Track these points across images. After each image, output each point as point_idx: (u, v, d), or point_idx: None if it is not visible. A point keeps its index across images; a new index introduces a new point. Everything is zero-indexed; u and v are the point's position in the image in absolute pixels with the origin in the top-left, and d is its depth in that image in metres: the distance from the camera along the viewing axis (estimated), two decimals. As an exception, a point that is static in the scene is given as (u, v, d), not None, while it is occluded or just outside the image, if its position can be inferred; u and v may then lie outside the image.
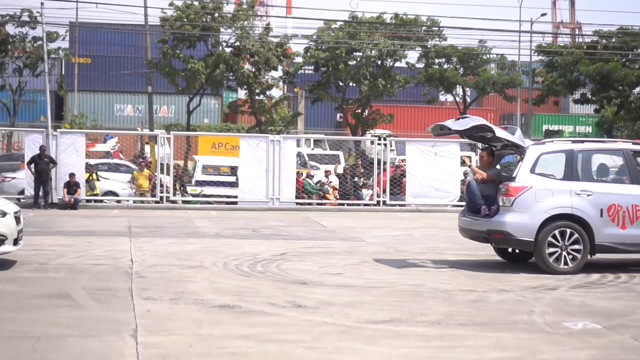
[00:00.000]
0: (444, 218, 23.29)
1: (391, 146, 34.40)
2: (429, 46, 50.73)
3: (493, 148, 16.01)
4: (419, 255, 16.28)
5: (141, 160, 32.52)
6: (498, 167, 16.30)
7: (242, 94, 55.03)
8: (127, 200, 28.92)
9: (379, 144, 30.21)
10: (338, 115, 59.43)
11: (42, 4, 40.19)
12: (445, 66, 51.44)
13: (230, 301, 11.16)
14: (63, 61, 54.37)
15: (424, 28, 49.55)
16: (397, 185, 29.38)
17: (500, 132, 15.12)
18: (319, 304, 11.13)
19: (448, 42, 51.10)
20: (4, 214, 13.40)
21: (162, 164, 28.47)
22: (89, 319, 9.88)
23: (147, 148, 42.17)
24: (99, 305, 10.76)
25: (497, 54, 54.31)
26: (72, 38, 58.00)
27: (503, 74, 52.50)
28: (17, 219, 13.77)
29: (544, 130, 63.96)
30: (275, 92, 50.89)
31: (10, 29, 49.80)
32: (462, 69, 51.78)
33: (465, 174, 27.56)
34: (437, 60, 51.43)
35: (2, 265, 13.73)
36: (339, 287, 12.58)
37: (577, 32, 74.75)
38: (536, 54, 55.18)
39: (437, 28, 49.24)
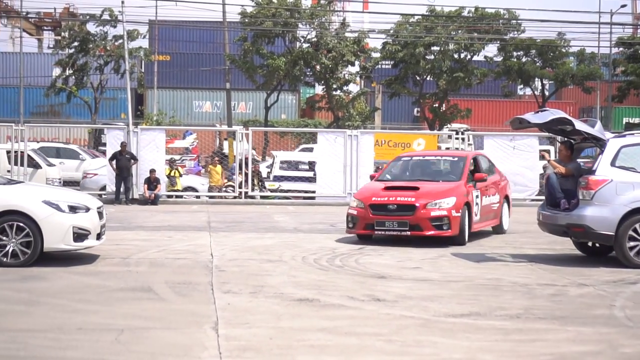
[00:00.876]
0: (521, 212, 23.04)
1: (469, 140, 34.15)
2: (507, 39, 50.22)
3: (572, 141, 15.82)
4: (497, 250, 16.17)
5: (215, 156, 32.84)
6: (578, 160, 16.09)
7: (319, 89, 55.19)
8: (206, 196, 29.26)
9: (456, 139, 30.02)
10: (415, 109, 59.18)
11: (122, 2, 40.79)
12: (524, 59, 50.88)
13: (309, 295, 11.25)
14: (143, 59, 55.16)
15: (502, 21, 49.08)
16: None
17: (580, 125, 14.94)
18: (397, 298, 11.16)
19: (526, 35, 50.54)
20: (88, 209, 13.68)
21: (240, 160, 28.72)
22: (171, 312, 10.06)
23: (226, 144, 42.60)
24: (180, 299, 10.94)
25: (576, 47, 53.52)
26: (152, 36, 58.82)
27: (583, 66, 51.70)
28: (100, 214, 14.05)
29: (624, 122, 62.81)
30: (353, 88, 50.94)
31: (92, 28, 50.83)
32: (540, 62, 51.15)
33: (544, 167, 27.25)
34: (515, 54, 50.88)
35: (86, 259, 14.04)
36: (417, 281, 12.59)
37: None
38: (616, 46, 54.25)
39: (515, 21, 48.71)
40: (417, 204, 16.46)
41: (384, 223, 16.57)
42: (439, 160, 19.36)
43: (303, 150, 38.78)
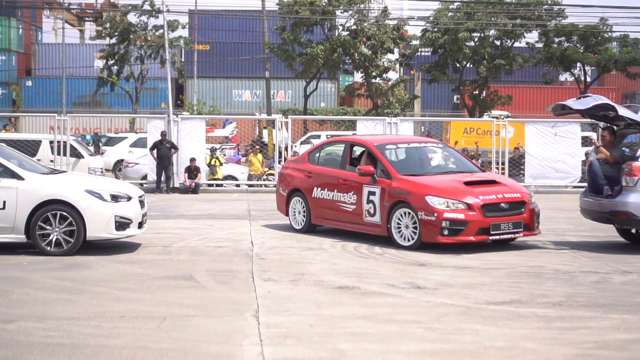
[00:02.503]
0: (563, 199, 22.88)
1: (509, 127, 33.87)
2: (549, 25, 49.74)
3: (615, 128, 15.66)
4: (538, 237, 16.04)
5: (256, 144, 32.92)
6: (623, 148, 15.91)
7: (358, 77, 55.09)
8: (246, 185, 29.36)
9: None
10: (455, 97, 58.87)
11: (162, -8, 41.01)
12: (566, 45, 50.37)
13: (350, 282, 11.25)
14: (183, 49, 55.42)
15: (544, 7, 48.59)
16: (516, 166, 29.01)
17: (623, 111, 14.79)
18: (437, 285, 11.12)
19: (568, 21, 50.02)
20: (129, 198, 13.78)
21: (279, 148, 28.76)
22: (212, 300, 10.11)
23: (265, 132, 42.70)
24: (221, 287, 10.98)
25: (620, 32, 52.87)
26: (192, 25, 59.06)
27: (626, 51, 51.08)
28: (142, 203, 14.15)
29: (668, 108, 61.98)
30: (392, 75, 50.78)
31: (133, 18, 51.13)
32: (582, 48, 50.61)
33: (587, 154, 27.02)
34: (557, 40, 50.38)
35: (128, 247, 14.15)
36: (457, 269, 12.54)
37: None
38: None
39: (557, 7, 48.21)
40: (526, 201, 14.67)
41: (500, 226, 14.22)
42: (431, 148, 16.84)
43: (310, 138, 38.81)
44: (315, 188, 16.26)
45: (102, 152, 36.73)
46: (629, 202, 14.11)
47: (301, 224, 16.62)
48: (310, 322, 8.96)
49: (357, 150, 16.57)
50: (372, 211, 15.03)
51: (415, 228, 14.24)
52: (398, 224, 14.51)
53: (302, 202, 16.59)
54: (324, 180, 16.22)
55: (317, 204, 16.22)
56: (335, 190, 15.86)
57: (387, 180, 14.91)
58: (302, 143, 37.10)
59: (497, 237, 14.36)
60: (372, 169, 15.14)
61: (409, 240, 14.38)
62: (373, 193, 15.07)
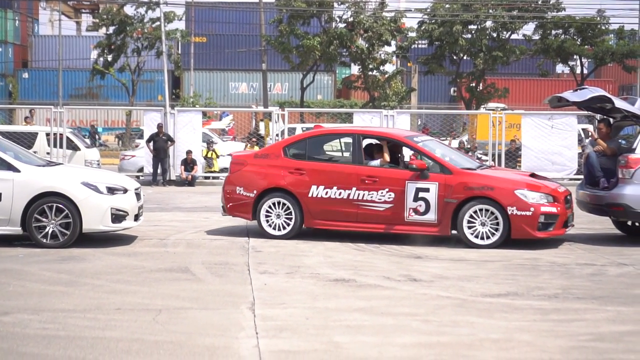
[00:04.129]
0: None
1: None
2: (546, 17, 49.70)
3: (611, 120, 15.67)
4: (535, 229, 16.05)
5: (252, 137, 32.91)
6: (619, 140, 15.92)
7: (355, 69, 55.05)
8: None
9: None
10: (452, 89, 58.85)
11: (159, -16, 40.93)
12: (563, 37, 50.35)
13: (346, 275, 11.26)
14: (180, 41, 55.33)
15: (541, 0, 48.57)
16: (512, 159, 29.01)
17: (619, 103, 14.80)
18: (433, 278, 11.14)
19: (565, 13, 49.99)
20: (125, 191, 13.77)
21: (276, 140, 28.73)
22: (208, 292, 10.11)
23: (262, 125, 42.68)
24: (217, 279, 10.98)
25: (616, 24, 52.84)
26: (188, 17, 58.96)
27: (623, 43, 51.06)
28: (138, 196, 14.14)
29: (665, 100, 62.01)
30: (389, 68, 50.72)
31: (129, 10, 51.03)
32: (579, 40, 50.60)
33: (583, 146, 27.04)
34: (554, 32, 50.35)
35: (124, 240, 14.14)
36: (453, 261, 12.55)
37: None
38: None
39: (557, 2, 48.17)
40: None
41: (570, 218, 14.40)
42: (438, 142, 16.41)
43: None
44: (314, 187, 14.46)
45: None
46: (625, 194, 14.13)
47: (284, 229, 14.57)
48: (306, 314, 8.97)
49: (364, 143, 15.09)
50: (422, 209, 13.95)
51: (497, 225, 13.71)
52: (470, 221, 13.83)
53: (286, 204, 14.55)
54: (329, 178, 14.47)
55: (318, 205, 14.45)
56: (354, 189, 14.26)
57: (445, 175, 14.02)
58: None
59: (569, 229, 14.43)
60: (424, 163, 14.11)
61: (485, 238, 13.76)
62: (425, 190, 13.98)
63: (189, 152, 27.49)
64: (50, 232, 13.21)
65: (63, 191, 13.28)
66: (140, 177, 27.28)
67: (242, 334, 8.17)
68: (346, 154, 15.45)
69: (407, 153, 15.41)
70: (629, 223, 15.59)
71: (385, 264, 12.22)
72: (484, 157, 28.80)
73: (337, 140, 16.57)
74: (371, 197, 14.24)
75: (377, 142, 15.07)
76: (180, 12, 51.46)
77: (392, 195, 14.14)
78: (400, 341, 8.02)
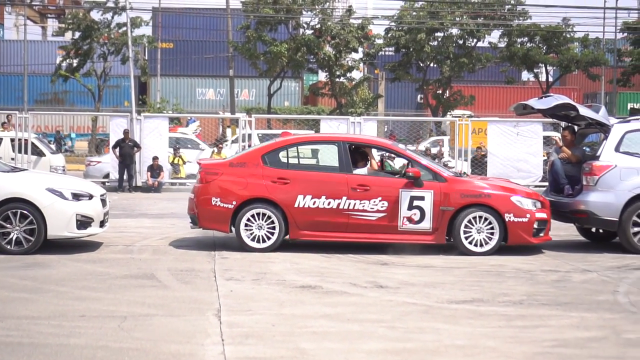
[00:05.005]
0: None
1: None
2: (511, 25, 50.08)
3: (575, 127, 15.81)
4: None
5: (218, 143, 32.85)
6: (584, 148, 16.06)
7: (322, 76, 55.13)
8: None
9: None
10: (419, 96, 59.09)
11: (126, -10, 40.74)
12: (528, 45, 50.76)
13: (312, 281, 11.26)
14: (146, 47, 55.10)
15: (507, 7, 48.93)
16: (479, 166, 29.16)
17: (584, 111, 14.93)
18: (400, 284, 11.16)
19: (531, 21, 50.39)
20: (91, 197, 13.69)
21: (243, 146, 28.69)
22: (174, 299, 10.06)
23: (229, 131, 42.59)
24: (183, 286, 10.94)
25: (581, 32, 53.36)
26: (155, 23, 58.75)
27: (587, 52, 51.55)
28: (103, 202, 14.06)
29: (628, 108, 62.65)
30: (356, 74, 50.85)
31: (96, 15, 50.77)
32: (545, 48, 51.02)
33: (548, 154, 27.23)
34: (519, 40, 50.75)
35: (89, 246, 14.06)
36: (419, 268, 12.59)
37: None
38: (621, 32, 54.14)
39: (520, 7, 48.55)
40: None
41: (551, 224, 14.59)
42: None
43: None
44: (301, 196, 13.82)
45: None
46: (589, 201, 14.26)
47: (265, 241, 13.87)
48: (272, 321, 8.96)
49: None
50: (417, 218, 13.76)
51: (492, 232, 13.75)
52: (467, 229, 13.79)
53: (268, 215, 13.84)
54: (316, 187, 13.90)
55: (305, 216, 13.85)
56: (344, 198, 13.78)
57: (439, 183, 13.87)
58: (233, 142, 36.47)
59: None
60: (419, 171, 13.85)
61: (481, 245, 13.74)
62: (420, 198, 13.75)
63: (155, 158, 27.38)
64: (14, 238, 13.10)
65: (27, 197, 13.19)
66: (106, 183, 27.12)
67: (208, 341, 8.14)
68: (330, 162, 14.70)
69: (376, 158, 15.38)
70: (593, 230, 15.73)
71: (352, 271, 12.24)
72: (450, 164, 28.94)
73: (319, 148, 16.18)
74: (363, 206, 13.82)
75: (359, 149, 14.84)
76: (147, 18, 51.22)
77: (386, 204, 13.81)
78: (366, 347, 8.03)
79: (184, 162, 29.17)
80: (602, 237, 15.71)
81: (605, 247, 14.94)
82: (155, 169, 27.48)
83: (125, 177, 27.28)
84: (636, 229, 14.08)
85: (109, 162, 28.23)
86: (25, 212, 13.11)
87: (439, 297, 10.35)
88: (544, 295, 10.54)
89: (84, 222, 13.45)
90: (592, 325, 8.97)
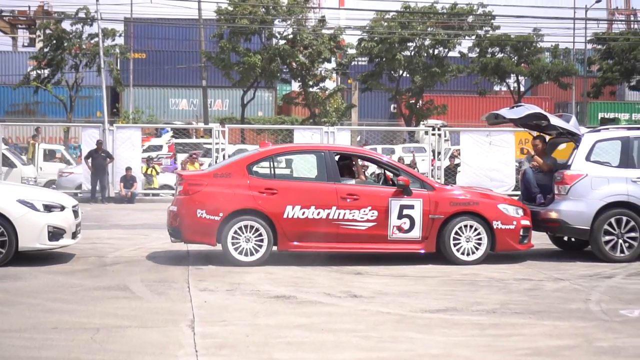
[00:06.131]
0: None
1: (445, 136, 34.24)
2: (482, 35, 50.41)
3: (546, 137, 15.91)
4: (474, 245, 16.20)
5: (193, 153, 32.78)
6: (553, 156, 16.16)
7: (295, 86, 55.20)
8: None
9: (433, 135, 30.06)
10: (392, 106, 59.29)
11: (97, 0, 40.66)
12: (499, 55, 51.09)
13: (286, 291, 11.24)
14: (119, 57, 54.89)
15: (476, 15, 49.20)
16: (452, 175, 29.28)
17: (555, 120, 15.03)
18: (374, 294, 11.17)
19: (502, 31, 50.72)
20: (63, 208, 13.61)
21: (216, 157, 28.66)
22: (147, 310, 10.02)
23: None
24: (156, 297, 10.89)
25: (552, 42, 53.79)
26: (128, 34, 58.58)
27: (558, 62, 51.95)
28: (75, 213, 13.98)
29: (599, 117, 63.13)
30: (329, 84, 50.97)
31: (67, 26, 50.52)
32: (516, 58, 51.36)
33: (520, 163, 27.38)
34: (490, 50, 51.07)
35: (61, 258, 13.97)
36: (393, 277, 12.61)
37: (632, 19, 73.75)
38: (591, 42, 54.65)
39: (490, 17, 48.86)
40: None
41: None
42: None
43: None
44: (290, 207, 13.52)
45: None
46: (560, 209, 14.34)
47: (254, 254, 13.51)
48: (246, 331, 8.94)
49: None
50: (406, 227, 13.68)
51: (479, 240, 13.80)
52: (456, 237, 13.80)
53: (255, 227, 13.50)
54: (305, 197, 13.63)
55: (295, 227, 13.55)
56: (334, 208, 13.57)
57: (428, 191, 13.84)
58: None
59: None
60: (408, 179, 13.80)
61: (470, 254, 13.78)
62: (409, 207, 13.69)
63: (128, 169, 27.29)
64: (-15, 250, 13.00)
65: (-1, 209, 13.08)
66: (79, 194, 27.00)
67: (182, 352, 8.11)
68: (317, 172, 14.27)
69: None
70: (565, 238, 15.82)
71: (326, 280, 12.23)
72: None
73: (305, 158, 15.92)
74: (353, 216, 13.60)
75: (346, 159, 14.88)
76: (119, 28, 51.11)
77: (375, 213, 13.66)
78: (340, 357, 8.03)
79: (157, 173, 29.09)
80: (574, 245, 15.81)
81: (577, 255, 15.03)
82: (128, 180, 27.39)
83: (97, 187, 27.17)
84: (607, 238, 14.18)
85: (81, 172, 28.10)
86: (-4, 223, 13.01)
87: (413, 306, 10.37)
88: (517, 303, 10.58)
89: (55, 234, 13.37)
90: (565, 334, 9.01)
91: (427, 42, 47.86)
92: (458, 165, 29.26)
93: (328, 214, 13.59)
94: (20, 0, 78.42)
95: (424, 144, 36.65)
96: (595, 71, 56.47)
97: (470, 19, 48.86)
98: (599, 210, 14.19)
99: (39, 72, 51.24)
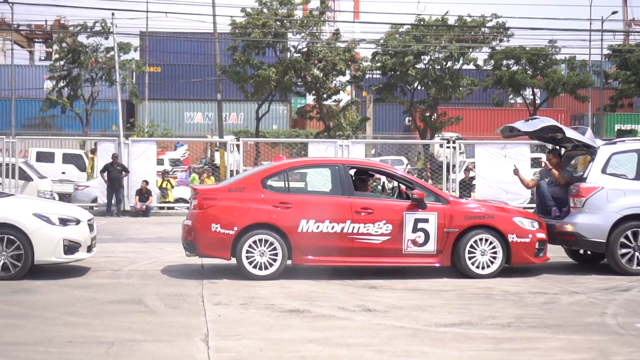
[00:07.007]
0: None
1: (460, 149, 34.19)
2: (497, 48, 50.38)
3: (561, 150, 15.87)
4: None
5: (207, 167, 32.87)
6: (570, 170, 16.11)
7: (310, 99, 55.27)
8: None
9: (447, 147, 30.02)
10: (407, 119, 59.29)
11: (112, 14, 40.85)
12: (514, 68, 51.03)
13: (300, 306, 11.23)
14: (134, 71, 55.13)
15: (488, 29, 49.16)
16: (467, 188, 29.22)
17: (570, 133, 14.98)
18: (388, 308, 11.15)
19: (517, 43, 50.69)
20: (78, 222, 13.65)
21: (231, 171, 28.71)
22: (161, 324, 10.03)
23: (217, 155, 42.60)
24: (171, 311, 10.90)
25: (567, 54, 53.68)
26: (143, 47, 58.83)
27: (573, 74, 51.86)
28: (91, 227, 14.02)
29: (616, 129, 63.01)
30: (344, 97, 51.01)
31: (84, 39, 50.80)
32: (531, 70, 51.29)
33: (534, 174, 27.29)
34: (505, 62, 51.03)
35: (76, 272, 14.00)
36: (408, 291, 12.58)
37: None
38: (607, 55, 54.56)
39: (504, 29, 48.82)
40: None
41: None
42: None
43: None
44: (304, 221, 13.47)
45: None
46: (576, 222, 14.28)
47: (267, 268, 13.48)
48: (260, 346, 8.93)
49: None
50: (421, 240, 13.61)
51: (495, 253, 13.74)
52: (470, 251, 13.74)
53: (269, 241, 13.46)
54: (319, 211, 13.55)
55: (309, 241, 13.49)
56: (348, 221, 13.51)
57: (442, 205, 13.82)
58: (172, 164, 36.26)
59: None
60: (422, 193, 13.71)
61: (485, 267, 13.72)
62: (424, 220, 13.63)
63: (144, 182, 27.35)
64: (1, 263, 13.04)
65: (14, 222, 13.14)
66: (94, 208, 27.07)
67: (196, 366, 8.12)
68: (331, 186, 14.15)
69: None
70: (581, 251, 15.75)
71: (340, 294, 12.21)
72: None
73: (319, 171, 15.82)
74: (367, 229, 13.55)
75: (361, 174, 14.77)
76: (135, 43, 51.32)
77: (390, 227, 13.60)
78: (354, 372, 8.01)
79: (172, 186, 29.14)
80: (589, 258, 15.74)
81: (593, 268, 14.95)
82: (144, 193, 27.44)
83: (113, 201, 27.23)
84: (624, 250, 14.11)
85: (97, 186, 28.17)
86: (12, 237, 13.06)
87: (427, 320, 10.34)
88: (532, 317, 10.53)
89: (71, 247, 13.41)
90: (580, 348, 8.97)
91: (440, 55, 47.83)
92: (473, 178, 29.18)
93: (342, 228, 13.55)
94: (36, 14, 78.73)
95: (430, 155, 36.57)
96: (612, 82, 56.34)
97: (483, 30, 48.79)
98: (615, 222, 14.13)
99: (54, 85, 51.49)
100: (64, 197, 28.93)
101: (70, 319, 10.26)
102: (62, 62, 51.92)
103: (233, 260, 13.68)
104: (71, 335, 9.38)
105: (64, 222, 13.45)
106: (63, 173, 35.69)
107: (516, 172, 16.10)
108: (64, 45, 51.74)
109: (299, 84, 47.25)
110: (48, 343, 9.00)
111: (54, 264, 13.62)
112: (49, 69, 53.92)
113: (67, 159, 36.30)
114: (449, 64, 48.09)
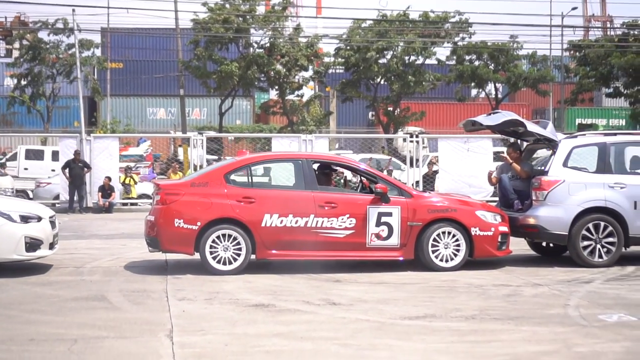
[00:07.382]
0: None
1: (423, 143, 34.28)
2: (459, 43, 50.59)
3: (520, 144, 15.97)
4: (452, 252, 16.23)
5: (174, 163, 32.72)
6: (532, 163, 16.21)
7: (273, 94, 55.21)
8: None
9: (411, 142, 30.11)
10: (370, 113, 59.40)
11: (73, 10, 40.52)
12: (476, 63, 51.29)
13: (265, 300, 11.22)
14: (96, 67, 54.73)
15: (451, 25, 49.36)
16: (430, 182, 29.32)
17: (532, 127, 15.08)
18: (353, 301, 11.16)
19: (479, 39, 50.93)
20: (40, 219, 13.53)
21: (195, 166, 28.59)
22: (125, 321, 9.96)
23: (180, 150, 42.43)
24: (134, 307, 10.84)
25: (529, 49, 54.03)
26: (104, 43, 58.43)
27: (534, 69, 52.23)
28: (53, 224, 13.90)
29: (577, 124, 63.58)
30: (307, 92, 51.00)
31: (45, 36, 50.37)
32: (493, 65, 51.58)
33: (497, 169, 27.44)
34: (467, 57, 51.27)
35: (39, 269, 13.88)
36: (372, 284, 12.60)
37: (608, 26, 74.25)
38: (567, 50, 54.97)
39: (466, 25, 49.04)
40: None
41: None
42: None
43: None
44: (268, 215, 13.44)
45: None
46: (538, 215, 14.38)
47: (232, 262, 13.44)
48: (225, 341, 8.90)
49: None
50: (385, 234, 13.66)
51: (458, 247, 13.81)
52: (434, 244, 13.81)
53: (233, 236, 13.43)
54: (283, 205, 13.56)
55: (273, 235, 13.48)
56: (312, 216, 13.50)
57: (405, 199, 13.83)
58: None
59: None
60: (386, 187, 13.77)
61: (448, 260, 13.78)
62: (387, 214, 13.67)
63: (107, 178, 27.18)
64: (-39, 262, 12.91)
65: (-25, 220, 13.00)
66: (56, 205, 26.87)
67: (160, 362, 8.08)
68: (294, 180, 14.12)
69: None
70: (544, 244, 15.87)
71: (305, 288, 12.21)
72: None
73: (282, 166, 15.78)
74: (331, 223, 13.55)
75: (324, 168, 14.80)
76: (97, 40, 50.97)
77: (354, 220, 13.62)
78: (319, 366, 8.01)
79: (135, 182, 28.98)
80: (552, 251, 15.87)
81: (555, 261, 15.07)
82: (106, 190, 27.27)
83: (75, 198, 27.03)
84: (585, 243, 14.23)
85: (58, 183, 27.96)
86: (-28, 235, 12.92)
87: (392, 313, 10.36)
88: (496, 309, 10.59)
89: (33, 245, 13.29)
90: (544, 339, 9.03)
91: (403, 50, 47.93)
92: (436, 172, 29.29)
93: (306, 222, 13.54)
94: (-4, 10, 77.95)
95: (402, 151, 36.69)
96: (572, 76, 56.82)
97: (446, 26, 49.00)
98: (576, 215, 14.24)
99: (15, 84, 51.08)
100: (21, 194, 28.59)
101: (33, 317, 10.17)
102: (21, 59, 51.43)
103: (197, 256, 13.62)
104: (34, 333, 9.29)
105: (25, 219, 13.32)
106: (26, 169, 35.44)
107: (507, 160, 15.88)
108: (24, 42, 51.18)
109: (262, 79, 47.18)
110: (10, 341, 8.91)
111: (15, 261, 13.49)
112: (10, 65, 53.46)
113: (30, 155, 36.05)
114: (412, 58, 48.21)
